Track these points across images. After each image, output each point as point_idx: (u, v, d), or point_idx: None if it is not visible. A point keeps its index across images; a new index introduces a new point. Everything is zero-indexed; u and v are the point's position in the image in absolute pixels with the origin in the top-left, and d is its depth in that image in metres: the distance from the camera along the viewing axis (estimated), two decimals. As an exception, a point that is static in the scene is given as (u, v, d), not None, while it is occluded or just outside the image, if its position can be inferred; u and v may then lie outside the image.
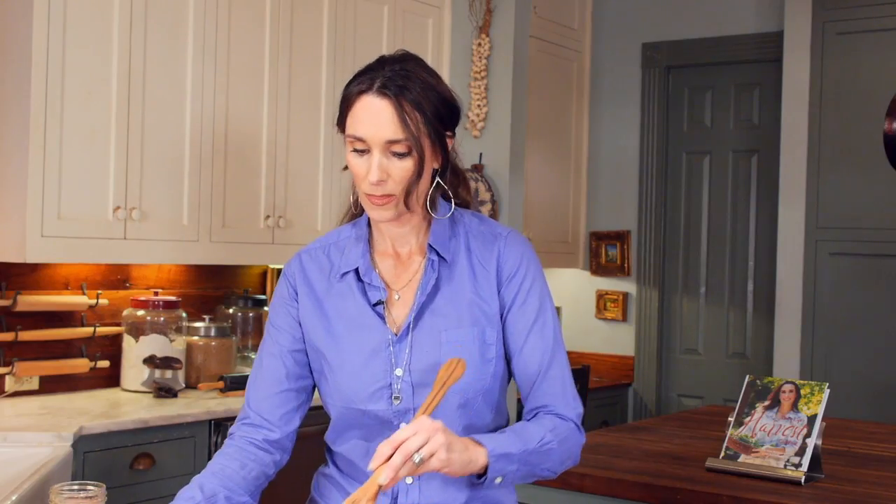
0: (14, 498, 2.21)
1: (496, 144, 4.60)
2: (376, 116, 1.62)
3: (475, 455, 1.57)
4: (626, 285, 5.45)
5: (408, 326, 1.70)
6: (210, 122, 3.56)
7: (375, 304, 1.72)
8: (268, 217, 3.78)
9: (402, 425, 1.68)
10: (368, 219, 1.77)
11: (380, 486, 1.47)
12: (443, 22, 4.58)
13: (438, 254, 1.73)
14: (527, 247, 1.78)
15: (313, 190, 3.96)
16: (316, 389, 1.81)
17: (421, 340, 1.70)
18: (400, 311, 1.73)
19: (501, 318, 1.74)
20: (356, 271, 1.74)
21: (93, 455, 2.93)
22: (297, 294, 1.77)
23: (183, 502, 1.65)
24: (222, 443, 3.22)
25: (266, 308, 4.04)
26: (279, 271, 4.22)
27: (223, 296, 4.04)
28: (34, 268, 3.43)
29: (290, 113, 3.85)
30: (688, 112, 5.36)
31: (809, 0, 4.71)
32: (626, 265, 5.42)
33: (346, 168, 1.74)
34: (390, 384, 1.69)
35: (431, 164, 1.69)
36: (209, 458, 3.20)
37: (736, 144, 5.22)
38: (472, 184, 4.53)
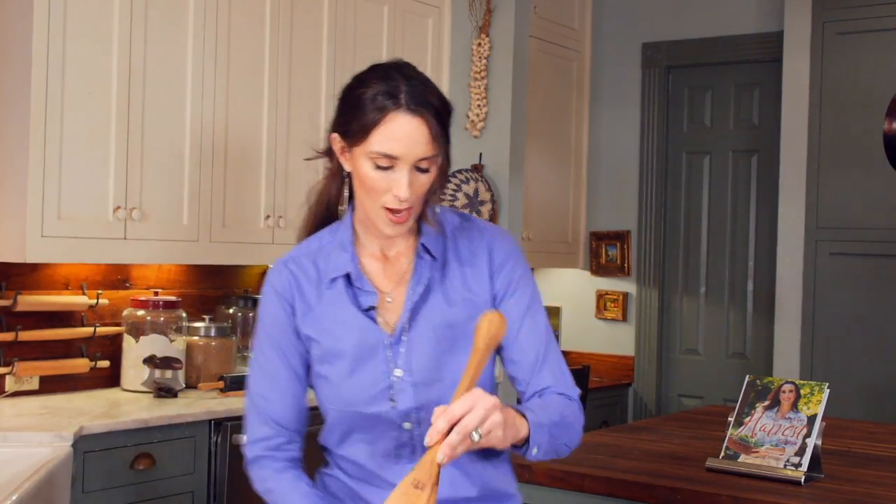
0: (14, 498, 2.21)
1: (496, 144, 4.60)
2: (411, 135, 1.62)
3: (520, 424, 1.59)
4: (626, 285, 5.45)
5: (402, 327, 1.71)
6: (210, 122, 3.56)
7: (368, 309, 1.72)
8: (268, 217, 3.78)
9: (407, 424, 1.70)
10: (351, 222, 1.76)
11: (439, 465, 1.46)
12: (443, 22, 4.58)
13: (430, 253, 1.74)
14: (511, 238, 1.82)
15: (313, 190, 3.96)
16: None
17: (417, 340, 1.71)
18: (393, 313, 1.73)
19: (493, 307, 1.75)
20: (346, 276, 1.73)
21: (93, 455, 2.93)
22: (292, 306, 1.76)
23: None
24: (222, 442, 3.23)
25: (266, 308, 4.03)
26: (279, 271, 4.22)
27: (223, 296, 4.04)
28: (34, 268, 3.43)
29: (290, 113, 3.85)
30: (688, 112, 5.36)
31: (809, 0, 4.71)
32: (626, 265, 5.42)
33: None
34: (390, 386, 1.70)
35: None
36: (209, 458, 3.21)
37: (736, 144, 5.22)
38: (473, 184, 4.53)
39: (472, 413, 1.47)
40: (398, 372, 1.70)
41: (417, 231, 1.76)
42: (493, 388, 1.78)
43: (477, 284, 1.75)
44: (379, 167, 1.64)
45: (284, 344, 1.77)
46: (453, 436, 1.46)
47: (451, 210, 1.82)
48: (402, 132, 1.62)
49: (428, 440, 1.48)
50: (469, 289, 1.74)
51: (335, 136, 1.71)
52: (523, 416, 1.62)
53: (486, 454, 1.74)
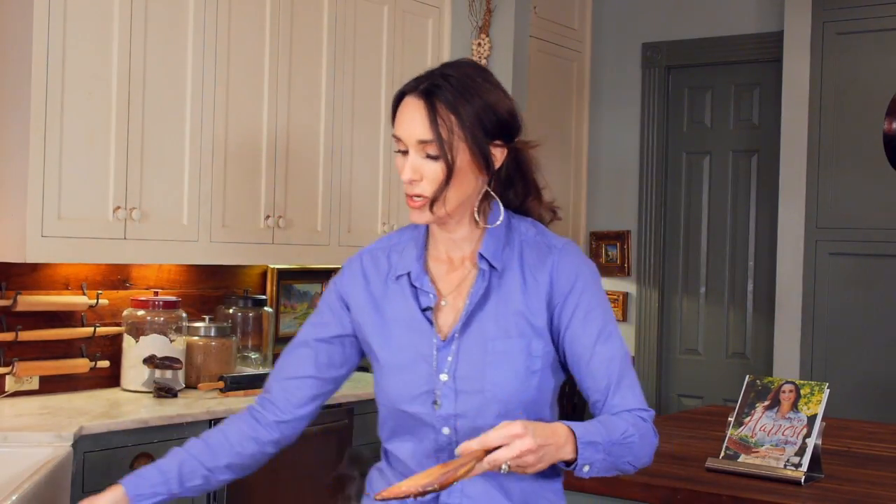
0: (14, 498, 2.21)
1: (496, 144, 4.60)
2: (411, 116, 1.66)
3: (563, 443, 1.57)
4: (626, 285, 5.45)
5: (454, 333, 1.72)
6: (210, 122, 3.56)
7: (425, 310, 1.74)
8: (268, 217, 3.78)
9: (445, 430, 1.71)
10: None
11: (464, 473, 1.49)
12: (443, 22, 4.58)
13: (490, 263, 1.74)
14: (581, 259, 1.78)
15: (313, 190, 3.96)
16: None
17: (467, 348, 1.71)
18: (448, 317, 1.75)
19: (556, 332, 1.74)
20: (409, 275, 1.76)
21: (93, 455, 2.93)
22: (351, 292, 1.81)
23: (155, 474, 1.78)
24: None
25: (266, 308, 4.04)
26: (279, 271, 4.22)
27: (223, 296, 4.04)
28: (34, 268, 3.43)
29: (289, 112, 3.85)
30: (688, 112, 5.36)
31: (809, 0, 4.71)
32: (626, 265, 5.42)
33: None
34: (433, 389, 1.71)
35: (471, 171, 1.69)
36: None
37: (736, 144, 5.22)
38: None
39: (507, 450, 1.49)
40: (443, 377, 1.71)
41: (482, 239, 1.76)
42: (552, 411, 1.77)
43: (534, 301, 1.73)
44: (398, 151, 1.69)
45: (319, 324, 1.84)
46: (483, 464, 1.49)
47: (532, 222, 1.82)
48: (404, 113, 1.68)
49: (458, 450, 1.51)
50: (526, 304, 1.73)
51: None
52: (571, 434, 1.60)
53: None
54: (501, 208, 1.77)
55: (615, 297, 5.46)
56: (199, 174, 3.54)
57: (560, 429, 1.58)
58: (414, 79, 1.71)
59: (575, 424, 1.62)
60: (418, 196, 1.68)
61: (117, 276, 3.69)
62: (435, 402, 1.70)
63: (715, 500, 2.32)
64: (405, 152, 1.68)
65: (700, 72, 5.31)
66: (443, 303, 1.75)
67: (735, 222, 5.22)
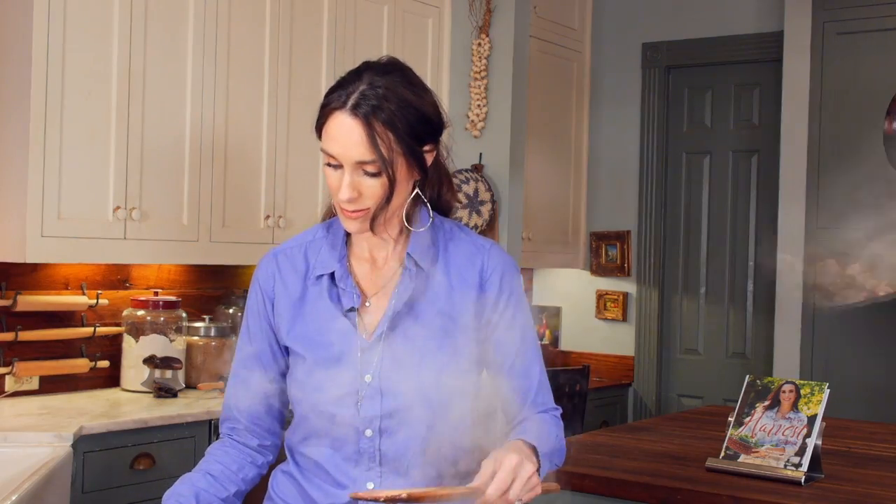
0: (14, 498, 2.21)
1: (496, 144, 4.60)
2: (347, 136, 1.59)
3: (530, 453, 1.62)
4: (626, 285, 5.45)
5: (380, 333, 1.69)
6: (210, 122, 3.56)
7: (348, 311, 1.71)
8: (268, 217, 3.78)
9: (368, 432, 1.68)
10: None
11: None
12: (443, 22, 4.58)
13: (416, 263, 1.71)
14: (508, 261, 1.77)
15: (313, 190, 3.96)
16: None
17: (393, 348, 1.68)
18: (373, 318, 1.71)
19: (482, 333, 1.73)
20: (331, 275, 1.73)
21: (93, 455, 2.93)
22: (273, 298, 1.78)
23: None
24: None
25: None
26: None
27: (223, 296, 4.04)
28: (34, 268, 3.43)
29: (289, 113, 3.85)
30: (688, 112, 5.36)
31: (809, 0, 4.71)
32: (626, 265, 5.42)
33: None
34: (358, 390, 1.68)
35: (407, 179, 1.66)
36: (209, 458, 3.21)
37: (736, 144, 5.22)
38: (473, 184, 4.53)
39: (514, 486, 1.52)
40: (368, 377, 1.68)
41: (408, 238, 1.73)
42: (473, 411, 1.77)
43: (461, 300, 1.71)
44: (330, 165, 1.63)
45: (258, 337, 1.80)
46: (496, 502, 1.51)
47: (451, 221, 1.79)
48: (338, 132, 1.60)
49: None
50: (452, 303, 1.71)
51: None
52: (532, 447, 1.63)
53: None
54: (429, 210, 1.73)
55: (615, 297, 5.46)
56: (199, 174, 3.54)
57: (520, 444, 1.62)
58: (338, 88, 1.62)
59: (530, 436, 1.65)
60: (359, 210, 1.63)
61: (117, 276, 3.69)
62: (358, 404, 1.67)
63: (715, 500, 2.32)
64: (336, 166, 1.61)
65: (700, 72, 5.31)
66: (367, 303, 1.72)
67: (735, 222, 5.22)
